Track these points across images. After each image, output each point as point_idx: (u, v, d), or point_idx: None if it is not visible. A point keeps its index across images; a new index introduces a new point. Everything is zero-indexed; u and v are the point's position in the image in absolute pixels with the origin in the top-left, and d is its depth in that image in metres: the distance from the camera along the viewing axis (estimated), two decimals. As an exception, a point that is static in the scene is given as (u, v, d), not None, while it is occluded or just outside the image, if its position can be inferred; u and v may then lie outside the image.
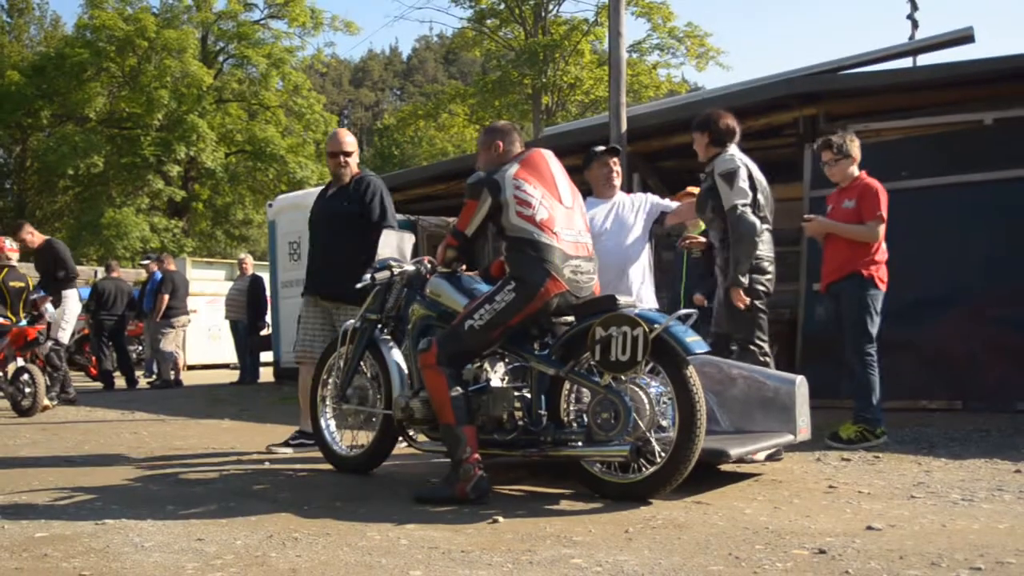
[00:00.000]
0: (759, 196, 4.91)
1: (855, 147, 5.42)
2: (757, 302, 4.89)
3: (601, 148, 5.35)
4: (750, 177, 4.88)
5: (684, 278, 7.30)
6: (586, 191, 8.57)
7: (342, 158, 5.50)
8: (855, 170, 5.40)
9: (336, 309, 5.43)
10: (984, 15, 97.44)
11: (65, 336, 9.11)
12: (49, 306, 8.62)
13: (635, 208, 5.26)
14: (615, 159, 5.28)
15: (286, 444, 5.49)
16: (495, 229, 4.02)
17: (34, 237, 9.11)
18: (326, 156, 5.62)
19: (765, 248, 4.91)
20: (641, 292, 5.16)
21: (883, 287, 5.31)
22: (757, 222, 4.77)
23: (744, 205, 4.75)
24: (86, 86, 28.95)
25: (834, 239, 5.39)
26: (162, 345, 12.03)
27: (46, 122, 30.38)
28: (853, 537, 3.03)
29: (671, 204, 5.36)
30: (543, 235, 3.82)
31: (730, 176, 4.79)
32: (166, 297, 11.88)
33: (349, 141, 5.56)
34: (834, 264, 5.37)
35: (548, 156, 4.11)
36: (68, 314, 9.03)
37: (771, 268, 4.95)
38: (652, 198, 5.41)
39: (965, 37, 8.94)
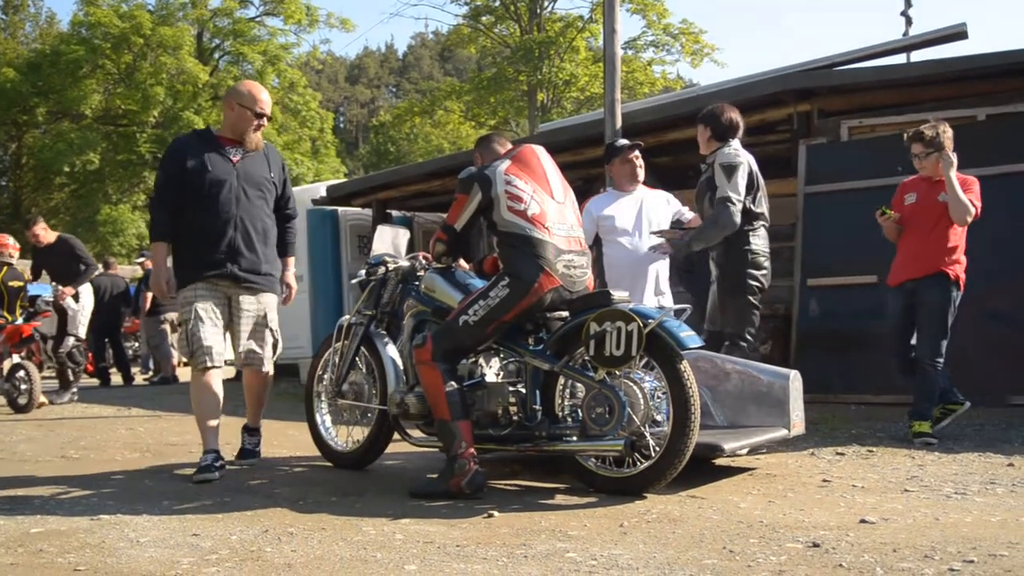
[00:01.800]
0: (759, 194, 4.98)
1: (948, 137, 5.22)
2: (751, 297, 4.93)
3: (623, 142, 5.44)
4: (751, 174, 4.93)
5: None
6: (579, 189, 8.62)
7: (265, 120, 4.68)
8: None
9: (239, 297, 4.62)
10: (977, 11, 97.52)
11: (82, 331, 9.16)
12: (71, 300, 8.68)
13: (658, 206, 5.39)
14: (637, 154, 5.39)
15: (205, 470, 4.38)
16: (486, 224, 4.03)
17: (47, 233, 9.11)
18: (237, 108, 4.59)
19: (761, 243, 4.98)
20: (661, 288, 5.26)
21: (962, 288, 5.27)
22: (737, 222, 4.84)
23: (737, 201, 4.82)
24: (82, 83, 28.90)
25: (919, 233, 5.23)
26: (165, 341, 12.07)
27: (42, 119, 30.35)
28: (847, 530, 3.04)
29: (687, 215, 5.45)
30: (535, 230, 3.82)
31: (731, 169, 4.87)
32: (149, 294, 11.90)
33: (269, 102, 4.76)
34: (918, 261, 5.23)
35: (539, 152, 4.11)
36: (85, 308, 9.11)
37: (767, 264, 5.01)
38: (675, 204, 5.56)
39: (958, 33, 8.95)
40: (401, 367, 4.47)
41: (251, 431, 5.04)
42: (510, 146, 4.24)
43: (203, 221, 4.51)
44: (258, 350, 4.74)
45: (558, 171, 4.15)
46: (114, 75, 30.30)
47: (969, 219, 5.16)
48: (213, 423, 4.60)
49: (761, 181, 5.04)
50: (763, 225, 5.02)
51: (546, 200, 3.93)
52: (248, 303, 4.66)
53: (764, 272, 4.99)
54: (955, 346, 6.58)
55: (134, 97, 29.11)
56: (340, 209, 11.95)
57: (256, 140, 4.68)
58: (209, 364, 4.51)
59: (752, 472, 4.27)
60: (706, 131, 5.14)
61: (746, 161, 4.93)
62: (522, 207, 3.85)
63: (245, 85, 4.78)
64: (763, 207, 5.01)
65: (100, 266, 12.61)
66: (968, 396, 6.46)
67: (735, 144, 5.04)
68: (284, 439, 5.84)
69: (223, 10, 32.02)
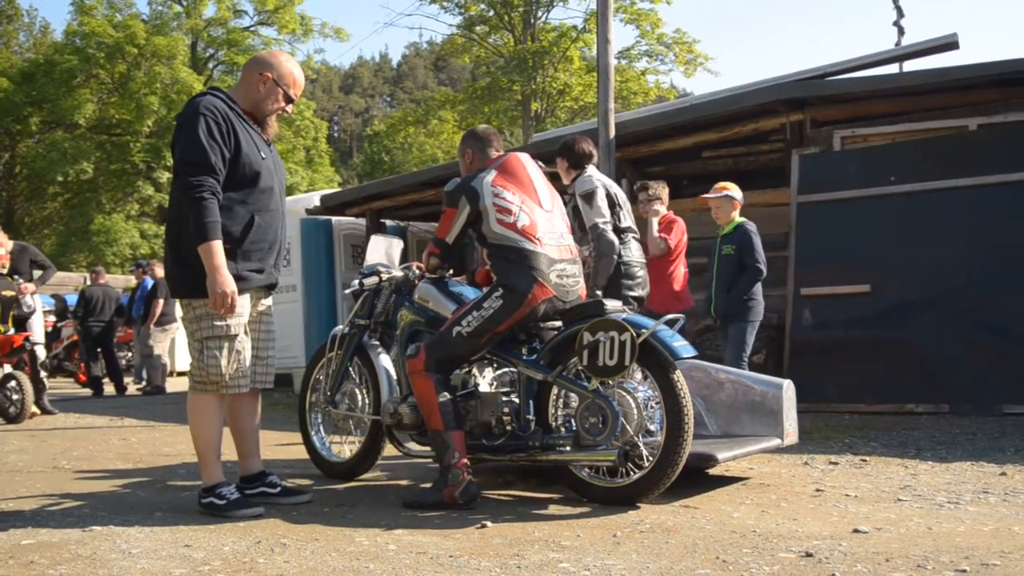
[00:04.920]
0: (619, 210, 5.24)
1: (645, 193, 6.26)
2: (627, 307, 5.01)
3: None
4: (609, 195, 5.19)
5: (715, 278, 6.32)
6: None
7: (292, 108, 4.04)
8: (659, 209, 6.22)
9: (260, 304, 3.99)
10: (968, 22, 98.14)
11: (41, 336, 9.15)
12: (29, 298, 8.56)
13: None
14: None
15: (243, 504, 3.78)
16: (476, 236, 4.02)
17: (6, 240, 9.01)
18: (270, 83, 3.86)
19: (634, 254, 5.24)
20: None
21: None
22: (616, 240, 5.08)
23: (604, 223, 5.07)
24: (75, 93, 28.91)
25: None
26: (157, 351, 12.04)
27: (35, 128, 30.32)
28: (840, 540, 3.04)
29: None
30: (526, 242, 3.82)
31: (589, 196, 5.12)
32: (161, 302, 11.80)
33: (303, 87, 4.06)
34: None
35: (525, 160, 4.11)
36: (39, 314, 9.08)
37: (641, 272, 5.27)
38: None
39: (950, 44, 9.03)
40: (394, 377, 4.46)
41: (264, 474, 4.10)
42: (501, 151, 4.22)
43: (260, 219, 3.79)
44: (271, 366, 4.09)
45: (544, 179, 4.15)
46: (108, 85, 30.30)
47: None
48: (217, 451, 3.89)
49: (621, 198, 5.30)
50: (633, 237, 5.27)
51: (535, 210, 3.92)
52: (267, 311, 4.06)
53: (639, 280, 5.23)
54: (948, 356, 6.63)
55: (128, 107, 29.10)
56: (334, 218, 11.95)
57: (276, 128, 4.04)
58: (247, 389, 3.87)
59: (745, 482, 4.27)
60: (564, 162, 5.40)
61: (600, 184, 5.19)
62: (511, 219, 3.84)
63: (285, 62, 3.94)
64: (628, 221, 5.28)
65: (88, 276, 12.60)
66: (961, 405, 6.51)
67: (589, 170, 5.29)
68: (277, 449, 5.82)
69: (217, 20, 32.11)
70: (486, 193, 3.88)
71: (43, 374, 8.83)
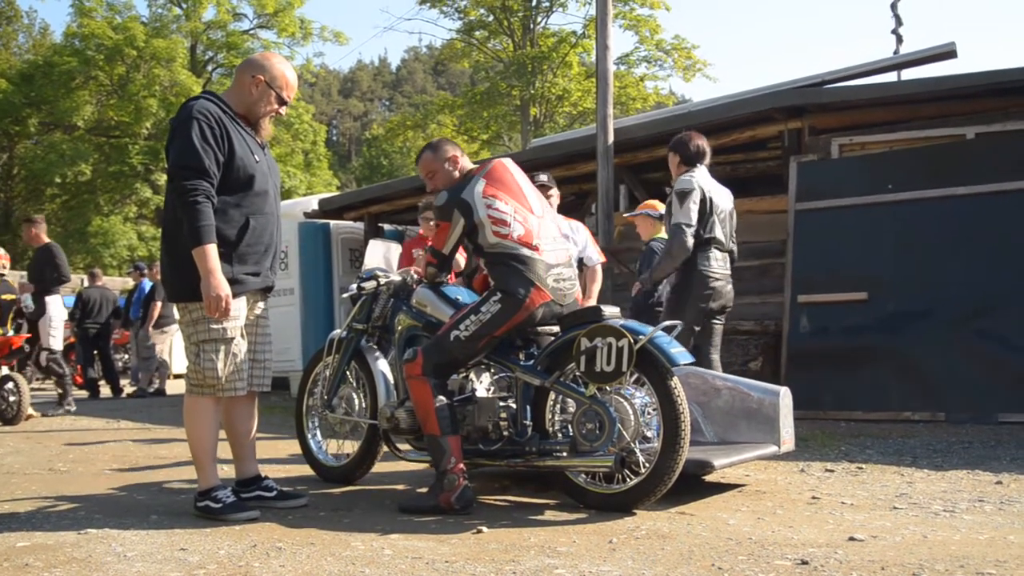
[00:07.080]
0: (710, 219, 5.09)
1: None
2: (694, 315, 5.04)
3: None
4: (704, 201, 5.05)
5: None
6: (572, 203, 8.55)
7: (285, 110, 4.08)
8: None
9: (256, 307, 4.01)
10: (966, 31, 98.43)
11: (57, 343, 8.89)
12: (29, 299, 8.48)
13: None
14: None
15: (240, 507, 3.76)
16: (472, 247, 4.02)
17: (40, 236, 8.92)
18: (262, 86, 3.87)
19: (713, 265, 5.11)
20: None
21: None
22: (689, 246, 4.99)
23: (687, 226, 4.98)
24: (74, 94, 28.95)
25: None
26: (158, 354, 12.03)
27: (34, 130, 30.36)
28: (835, 548, 3.04)
29: (594, 257, 5.54)
30: (523, 249, 3.83)
31: (683, 195, 5.04)
32: (159, 304, 11.78)
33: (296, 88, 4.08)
34: None
35: (510, 166, 4.10)
36: (55, 320, 8.79)
37: (716, 284, 5.12)
38: (581, 237, 5.53)
39: (948, 52, 9.04)
40: (392, 381, 4.47)
41: (260, 478, 4.12)
42: (461, 155, 4.19)
43: (255, 222, 3.79)
44: (268, 369, 4.10)
45: (530, 183, 4.16)
46: (107, 86, 30.32)
47: None
48: (213, 455, 3.88)
49: (718, 205, 5.14)
50: (716, 248, 5.14)
51: (528, 217, 3.92)
52: (264, 314, 4.08)
53: (710, 292, 5.09)
54: (945, 364, 6.64)
55: (127, 109, 29.13)
56: (332, 222, 11.97)
57: (271, 131, 4.07)
58: (243, 392, 3.89)
59: (741, 489, 4.27)
60: (675, 158, 5.32)
61: (699, 187, 5.05)
62: (507, 230, 3.84)
63: (277, 64, 3.93)
64: (715, 232, 5.11)
65: (86, 278, 12.59)
66: (958, 413, 6.51)
67: (696, 171, 5.17)
68: (274, 453, 5.82)
69: (217, 23, 32.14)
70: (479, 205, 3.87)
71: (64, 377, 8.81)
